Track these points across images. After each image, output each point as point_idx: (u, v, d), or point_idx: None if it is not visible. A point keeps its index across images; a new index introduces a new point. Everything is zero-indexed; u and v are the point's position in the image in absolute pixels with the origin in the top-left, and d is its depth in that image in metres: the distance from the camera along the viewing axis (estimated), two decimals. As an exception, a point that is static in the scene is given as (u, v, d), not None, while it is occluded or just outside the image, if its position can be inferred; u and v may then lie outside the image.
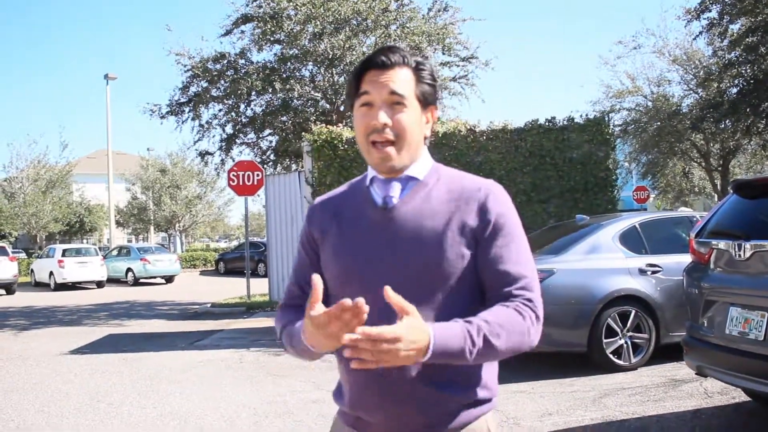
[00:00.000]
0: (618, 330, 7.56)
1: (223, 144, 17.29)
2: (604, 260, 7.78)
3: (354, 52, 15.29)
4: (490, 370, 1.82)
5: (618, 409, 6.00)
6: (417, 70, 1.82)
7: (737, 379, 5.00)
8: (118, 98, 51.33)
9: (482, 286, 1.78)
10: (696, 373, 5.51)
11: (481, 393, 1.79)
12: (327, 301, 1.88)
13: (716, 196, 26.99)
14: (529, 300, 1.73)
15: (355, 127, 1.83)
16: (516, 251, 1.77)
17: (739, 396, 6.08)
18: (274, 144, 18.04)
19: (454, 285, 1.74)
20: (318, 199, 2.00)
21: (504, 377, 2.28)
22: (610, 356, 7.51)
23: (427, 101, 1.83)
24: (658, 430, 5.36)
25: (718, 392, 6.32)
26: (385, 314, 1.68)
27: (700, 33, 18.12)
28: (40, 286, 28.35)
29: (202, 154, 17.84)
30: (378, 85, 1.77)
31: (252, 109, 17.10)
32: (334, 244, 1.85)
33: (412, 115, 1.78)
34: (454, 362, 1.64)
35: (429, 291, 1.73)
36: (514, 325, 1.68)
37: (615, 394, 6.51)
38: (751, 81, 17.36)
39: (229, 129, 17.26)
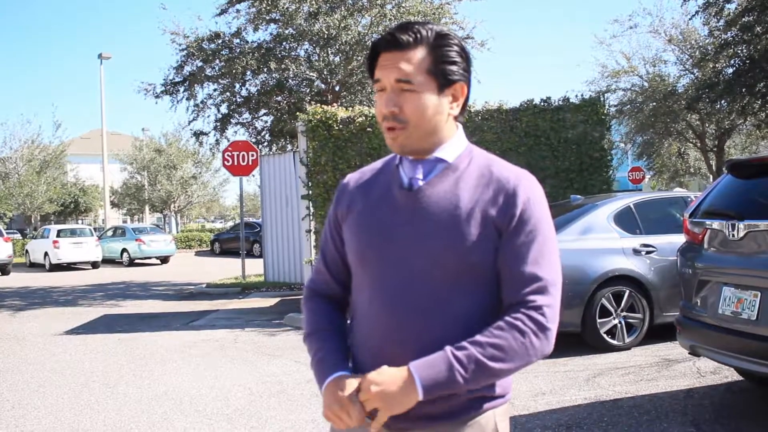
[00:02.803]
0: (612, 310, 7.59)
1: (218, 124, 17.23)
2: (599, 240, 7.79)
3: (349, 32, 15.20)
4: None
5: (611, 388, 6.03)
6: (436, 46, 1.71)
7: (730, 358, 5.02)
8: (113, 78, 51.17)
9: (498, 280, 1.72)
10: (689, 353, 5.54)
11: (488, 388, 1.74)
12: (349, 281, 1.89)
13: (711, 176, 27.00)
14: (537, 307, 1.65)
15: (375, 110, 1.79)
16: (537, 250, 1.68)
17: (732, 375, 6.12)
18: (269, 124, 17.98)
19: (473, 275, 1.69)
20: (348, 177, 1.93)
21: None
22: (604, 336, 7.55)
23: (449, 80, 1.72)
24: (651, 409, 5.39)
25: (710, 372, 6.36)
26: (399, 294, 1.69)
27: (697, 12, 18.03)
28: (35, 266, 28.32)
29: (197, 134, 17.76)
30: (386, 70, 1.70)
31: (247, 89, 17.04)
32: (357, 220, 1.81)
33: (423, 99, 1.69)
34: (454, 391, 1.63)
35: (447, 277, 1.68)
36: (512, 344, 1.62)
37: (608, 374, 6.55)
38: (747, 61, 17.30)
39: (224, 109, 17.19)
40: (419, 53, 1.70)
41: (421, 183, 1.74)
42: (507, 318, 1.65)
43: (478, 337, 1.62)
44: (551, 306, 1.67)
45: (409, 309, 1.68)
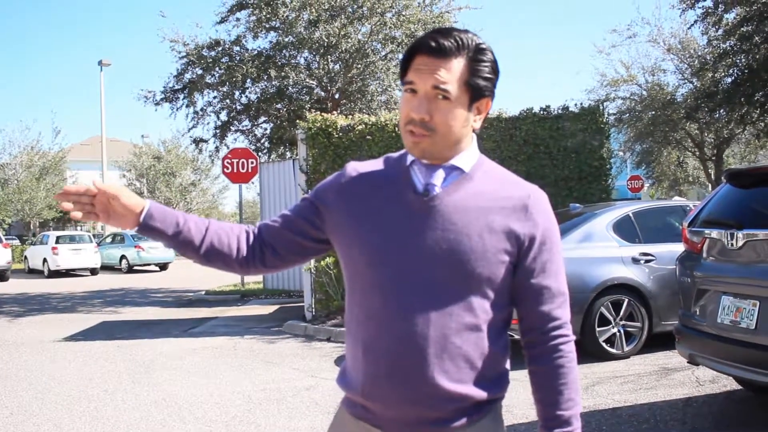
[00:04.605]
0: (611, 318, 7.59)
1: (218, 131, 17.26)
2: (598, 249, 7.80)
3: (349, 40, 15.26)
4: (501, 370, 1.82)
5: (610, 397, 6.03)
6: (474, 59, 1.67)
7: (728, 367, 5.03)
8: (112, 84, 51.24)
9: (516, 295, 1.74)
10: (688, 362, 5.55)
11: (494, 391, 1.76)
12: (350, 278, 1.79)
13: (710, 185, 27.03)
14: (566, 324, 1.75)
15: (399, 109, 1.74)
16: (557, 264, 1.75)
17: (730, 384, 6.12)
18: (268, 131, 18.01)
19: (488, 287, 1.68)
20: (349, 167, 1.84)
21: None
22: (603, 344, 7.55)
23: (479, 94, 1.69)
24: (650, 417, 5.39)
25: (709, 380, 6.36)
26: (416, 299, 1.66)
27: (695, 22, 18.07)
28: (33, 273, 28.31)
29: (197, 141, 17.80)
30: (423, 75, 1.64)
31: (247, 97, 17.07)
32: (363, 218, 1.74)
33: (455, 111, 1.66)
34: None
35: (461, 288, 1.66)
36: (576, 375, 1.76)
37: (607, 382, 6.55)
38: (746, 70, 17.34)
39: (223, 116, 17.23)
40: (458, 63, 1.66)
41: (438, 190, 1.71)
42: (550, 354, 1.76)
43: (562, 401, 1.74)
44: (569, 320, 1.79)
45: (426, 314, 1.65)
